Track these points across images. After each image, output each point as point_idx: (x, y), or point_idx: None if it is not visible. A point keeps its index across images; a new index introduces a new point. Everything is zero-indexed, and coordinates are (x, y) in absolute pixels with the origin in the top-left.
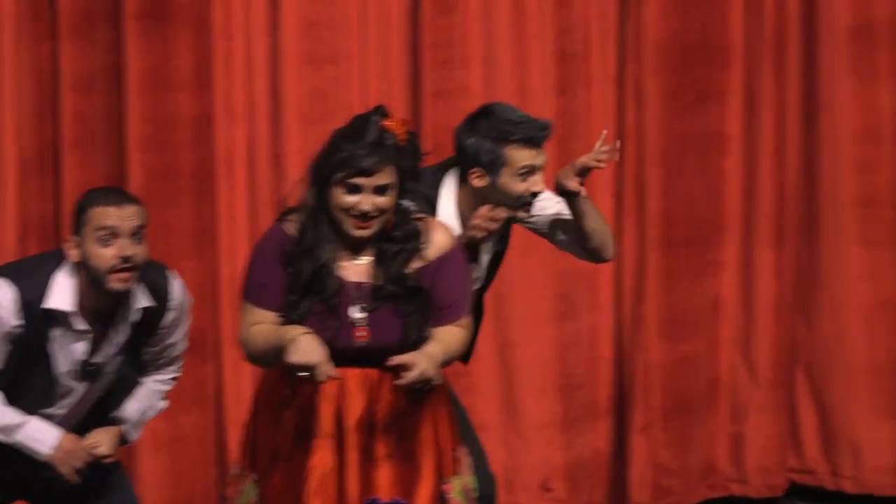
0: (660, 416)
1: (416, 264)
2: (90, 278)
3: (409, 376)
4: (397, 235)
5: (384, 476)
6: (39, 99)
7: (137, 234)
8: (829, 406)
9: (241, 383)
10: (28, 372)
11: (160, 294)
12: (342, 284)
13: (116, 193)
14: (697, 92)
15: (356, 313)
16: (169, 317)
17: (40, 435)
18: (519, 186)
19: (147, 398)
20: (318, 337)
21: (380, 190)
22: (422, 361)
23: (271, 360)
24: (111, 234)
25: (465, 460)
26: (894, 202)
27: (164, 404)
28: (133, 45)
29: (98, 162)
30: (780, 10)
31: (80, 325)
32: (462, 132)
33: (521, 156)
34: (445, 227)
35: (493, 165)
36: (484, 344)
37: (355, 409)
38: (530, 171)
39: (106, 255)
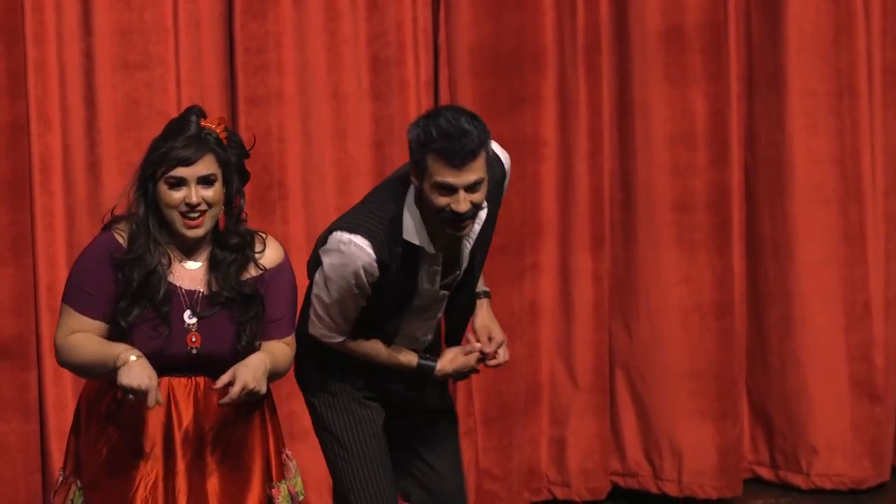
0: (481, 421)
1: (249, 273)
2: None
3: (233, 391)
4: (232, 243)
5: (213, 485)
6: None
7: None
8: (649, 409)
9: (63, 391)
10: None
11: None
12: (173, 290)
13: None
14: (512, 97)
15: (188, 319)
16: None
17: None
18: (439, 200)
19: None
20: (146, 362)
21: (204, 181)
22: (244, 374)
23: (93, 373)
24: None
25: (291, 464)
26: (709, 206)
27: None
28: None
29: None
30: (591, 15)
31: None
32: (411, 124)
33: (437, 168)
34: (276, 241)
35: (417, 169)
36: None
37: (183, 418)
38: (448, 188)
39: None
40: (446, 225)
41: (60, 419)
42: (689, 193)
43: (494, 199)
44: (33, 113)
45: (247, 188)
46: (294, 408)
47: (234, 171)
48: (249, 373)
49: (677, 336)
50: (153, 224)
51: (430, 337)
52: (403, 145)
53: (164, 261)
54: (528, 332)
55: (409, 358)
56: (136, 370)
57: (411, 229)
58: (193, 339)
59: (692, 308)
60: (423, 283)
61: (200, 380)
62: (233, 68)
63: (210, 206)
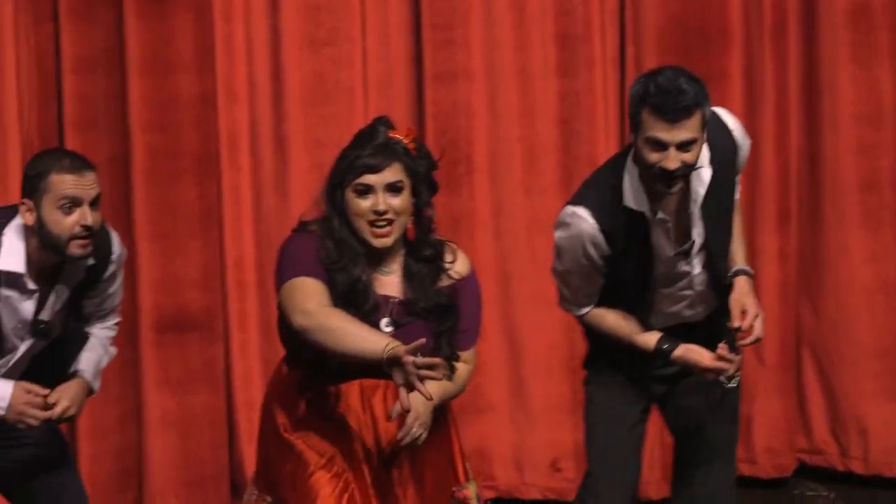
0: None
1: (442, 282)
2: (46, 242)
3: (408, 426)
4: (425, 254)
5: (403, 489)
6: (41, 81)
7: (95, 203)
8: (835, 387)
9: (250, 364)
10: None
11: (103, 250)
12: (377, 299)
13: (74, 159)
14: (699, 74)
15: (385, 327)
16: (109, 270)
17: None
18: (651, 156)
19: (99, 346)
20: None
21: (392, 188)
22: (422, 410)
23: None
24: (72, 203)
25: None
26: (895, 185)
27: (113, 350)
28: (133, 27)
29: (101, 143)
30: None
31: (30, 285)
32: (634, 80)
33: (651, 123)
34: (463, 252)
35: (633, 123)
36: (491, 325)
37: (377, 421)
38: (659, 144)
39: (67, 222)
40: (657, 181)
41: (247, 393)
42: (876, 172)
43: (725, 167)
44: (221, 87)
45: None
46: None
47: (423, 182)
48: (424, 412)
49: (863, 315)
50: (346, 235)
51: (693, 312)
52: (590, 122)
53: (366, 270)
54: None
55: (649, 339)
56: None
57: (630, 195)
58: None
59: (878, 287)
60: (656, 249)
61: (391, 383)
62: (419, 44)
63: (398, 214)
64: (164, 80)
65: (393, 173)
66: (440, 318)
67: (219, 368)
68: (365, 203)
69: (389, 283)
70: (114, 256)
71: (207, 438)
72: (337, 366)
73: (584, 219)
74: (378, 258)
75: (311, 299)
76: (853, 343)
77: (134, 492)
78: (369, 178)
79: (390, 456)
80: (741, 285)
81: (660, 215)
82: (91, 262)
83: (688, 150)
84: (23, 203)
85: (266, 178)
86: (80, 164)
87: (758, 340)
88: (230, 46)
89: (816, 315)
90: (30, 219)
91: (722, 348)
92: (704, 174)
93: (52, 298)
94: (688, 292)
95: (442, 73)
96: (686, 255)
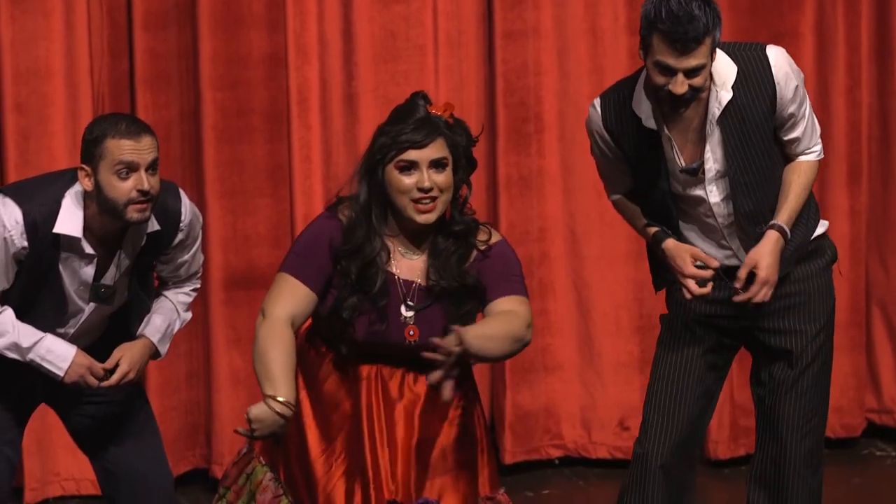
0: (737, 357)
1: (471, 259)
2: (104, 207)
3: (447, 387)
4: (455, 230)
5: (434, 480)
6: (113, 36)
7: (153, 167)
8: None
9: None
10: (38, 292)
11: (171, 217)
12: (391, 282)
13: (130, 123)
14: (769, 33)
15: (405, 312)
16: (178, 237)
17: (54, 354)
18: (659, 78)
19: (171, 311)
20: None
21: (436, 164)
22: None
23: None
24: (129, 168)
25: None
26: None
27: (187, 316)
28: None
29: (171, 99)
30: None
31: (88, 249)
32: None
33: (660, 49)
34: (498, 234)
35: (643, 44)
36: (560, 284)
37: (394, 407)
38: (667, 69)
39: (124, 188)
40: (664, 104)
41: None
42: None
43: (755, 100)
44: (291, 45)
45: (503, 120)
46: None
47: (463, 158)
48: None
49: None
50: (375, 213)
51: (724, 255)
52: None
53: (384, 251)
54: None
55: (653, 228)
56: (264, 415)
57: (639, 103)
58: (411, 332)
59: None
60: (668, 163)
61: (415, 372)
62: (490, 2)
63: (442, 191)
64: (235, 38)
65: (437, 149)
66: (460, 301)
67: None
68: (409, 180)
69: (415, 266)
70: (183, 224)
71: (243, 398)
72: (348, 351)
73: (595, 110)
74: (411, 238)
75: (278, 304)
76: None
77: (202, 449)
78: (413, 154)
79: (405, 438)
80: (767, 241)
81: (665, 131)
82: (156, 228)
83: (696, 75)
84: (81, 168)
85: (336, 135)
86: (136, 128)
87: (749, 301)
88: (301, 3)
89: (886, 272)
90: (88, 184)
91: (710, 261)
92: (723, 96)
93: (113, 264)
94: (711, 222)
95: (512, 31)
96: (693, 174)
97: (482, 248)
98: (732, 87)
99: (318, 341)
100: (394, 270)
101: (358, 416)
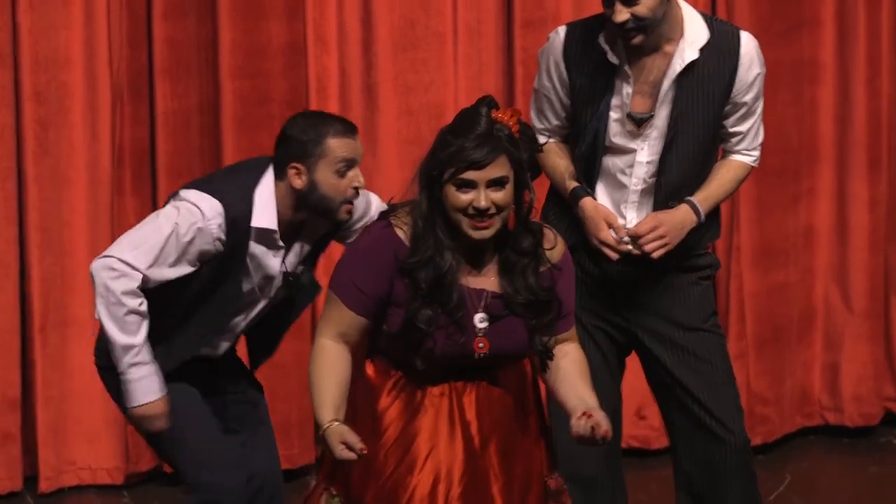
0: (754, 346)
1: (541, 269)
2: (315, 205)
3: (602, 430)
4: (524, 245)
5: (496, 485)
6: (132, 26)
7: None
8: None
9: None
10: (217, 285)
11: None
12: (465, 294)
13: (343, 122)
14: (790, 20)
15: (479, 323)
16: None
17: (141, 385)
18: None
19: None
20: (346, 427)
21: (495, 184)
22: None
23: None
24: (348, 165)
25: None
26: None
27: None
28: None
29: (191, 89)
30: None
31: (279, 241)
32: None
33: None
34: (558, 235)
35: None
36: None
37: (468, 418)
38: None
39: (342, 185)
40: (617, 35)
41: None
42: None
43: (715, 74)
44: (311, 34)
45: (523, 108)
46: None
47: (526, 170)
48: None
49: None
50: (440, 224)
51: (633, 186)
52: None
53: (454, 263)
54: (803, 256)
55: (573, 182)
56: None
57: (604, 35)
58: (481, 344)
59: None
60: (612, 100)
61: (483, 384)
62: None
63: (500, 209)
64: (254, 27)
65: (497, 168)
66: (539, 313)
67: (305, 314)
68: (465, 197)
69: (484, 276)
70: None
71: (293, 385)
72: (424, 366)
73: (558, 36)
74: (472, 251)
75: (326, 328)
76: None
77: None
78: (472, 175)
79: (480, 454)
80: (678, 210)
81: (627, 69)
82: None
83: (635, 3)
84: (293, 167)
85: (355, 124)
86: (351, 126)
87: (642, 249)
88: None
89: None
90: (299, 182)
91: (620, 230)
92: (689, 55)
93: (292, 254)
94: (625, 180)
95: (532, 20)
96: (640, 124)
97: (553, 259)
98: (701, 50)
99: (380, 360)
100: (463, 281)
101: (433, 441)
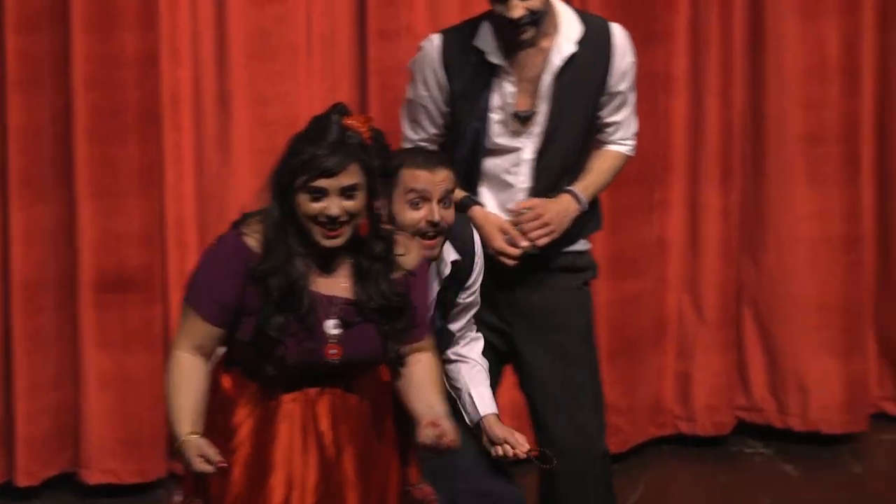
0: (607, 355)
1: (394, 276)
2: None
3: (447, 440)
4: (376, 250)
5: (352, 498)
6: None
7: (446, 199)
8: (776, 344)
9: None
10: None
11: (467, 246)
12: (316, 301)
13: (426, 155)
14: (644, 32)
15: (331, 330)
16: (476, 269)
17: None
18: (497, 7)
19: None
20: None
21: (347, 191)
22: (450, 427)
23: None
24: (421, 198)
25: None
26: (839, 139)
27: None
28: None
29: (44, 101)
30: None
31: None
32: None
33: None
34: (413, 240)
35: None
36: None
37: (321, 427)
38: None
39: (415, 217)
40: (507, 33)
41: None
42: (820, 126)
43: (592, 65)
44: (164, 46)
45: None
46: None
47: (378, 176)
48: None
49: (805, 270)
50: (291, 231)
51: (520, 184)
52: None
53: (304, 269)
54: (656, 266)
55: (457, 193)
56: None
57: (483, 37)
58: (333, 351)
59: (821, 242)
60: (493, 101)
61: (336, 390)
62: (363, 1)
63: (352, 217)
64: (108, 38)
65: (349, 176)
66: (391, 319)
67: (157, 328)
68: (317, 205)
69: (336, 283)
70: (477, 255)
71: (145, 399)
72: (276, 373)
73: (433, 44)
74: (324, 257)
75: (188, 338)
76: (794, 299)
77: (70, 451)
78: (324, 182)
79: (335, 463)
80: (560, 199)
81: (508, 69)
82: (454, 257)
83: None
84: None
85: (208, 135)
86: (431, 159)
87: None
88: (174, 3)
89: (757, 271)
90: None
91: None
92: (567, 49)
93: None
94: (510, 180)
95: (386, 31)
96: (524, 121)
97: (406, 265)
98: (578, 43)
99: (236, 371)
100: (315, 288)
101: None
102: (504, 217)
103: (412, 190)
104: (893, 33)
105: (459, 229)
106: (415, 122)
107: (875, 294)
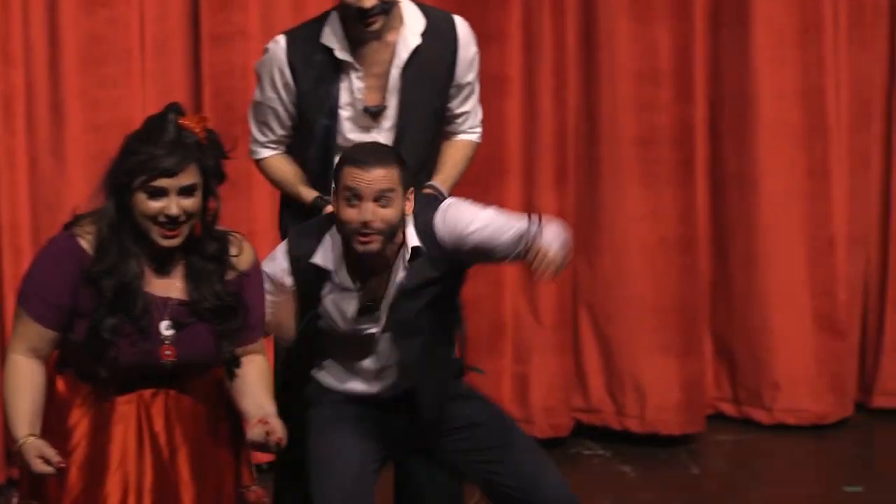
0: None
1: (228, 276)
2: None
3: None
4: (210, 251)
5: (186, 495)
6: None
7: (382, 198)
8: (612, 346)
9: None
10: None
11: (428, 231)
12: (150, 301)
13: (367, 153)
14: (477, 33)
15: (165, 331)
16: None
17: None
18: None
19: None
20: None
21: (185, 191)
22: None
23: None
24: (355, 196)
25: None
26: (673, 141)
27: None
28: None
29: None
30: None
31: (347, 282)
32: None
33: None
34: (247, 241)
35: None
36: None
37: (155, 427)
38: None
39: (349, 215)
40: (357, 24)
41: None
42: (654, 128)
43: (437, 58)
44: None
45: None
46: None
47: (213, 176)
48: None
49: (641, 272)
50: (126, 231)
51: None
52: None
53: (138, 270)
54: (492, 269)
55: (311, 192)
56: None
57: (329, 34)
58: (168, 352)
59: (656, 243)
60: (342, 97)
61: (171, 391)
62: (196, 5)
63: (190, 216)
64: None
65: (188, 176)
66: (225, 319)
67: None
68: (156, 205)
69: (170, 283)
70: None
71: None
72: (109, 375)
73: (278, 45)
74: (159, 258)
75: (23, 341)
76: (630, 301)
77: None
78: (163, 182)
79: (169, 464)
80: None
81: (356, 65)
82: (416, 243)
83: None
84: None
85: (42, 140)
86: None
87: None
88: (6, 8)
89: (593, 273)
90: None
91: None
92: (412, 41)
93: (387, 292)
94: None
95: (219, 35)
96: (375, 115)
97: (240, 266)
98: (422, 35)
99: (69, 374)
100: (149, 288)
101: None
102: None
103: (347, 188)
104: (724, 35)
105: (422, 216)
106: (262, 124)
107: (710, 295)
